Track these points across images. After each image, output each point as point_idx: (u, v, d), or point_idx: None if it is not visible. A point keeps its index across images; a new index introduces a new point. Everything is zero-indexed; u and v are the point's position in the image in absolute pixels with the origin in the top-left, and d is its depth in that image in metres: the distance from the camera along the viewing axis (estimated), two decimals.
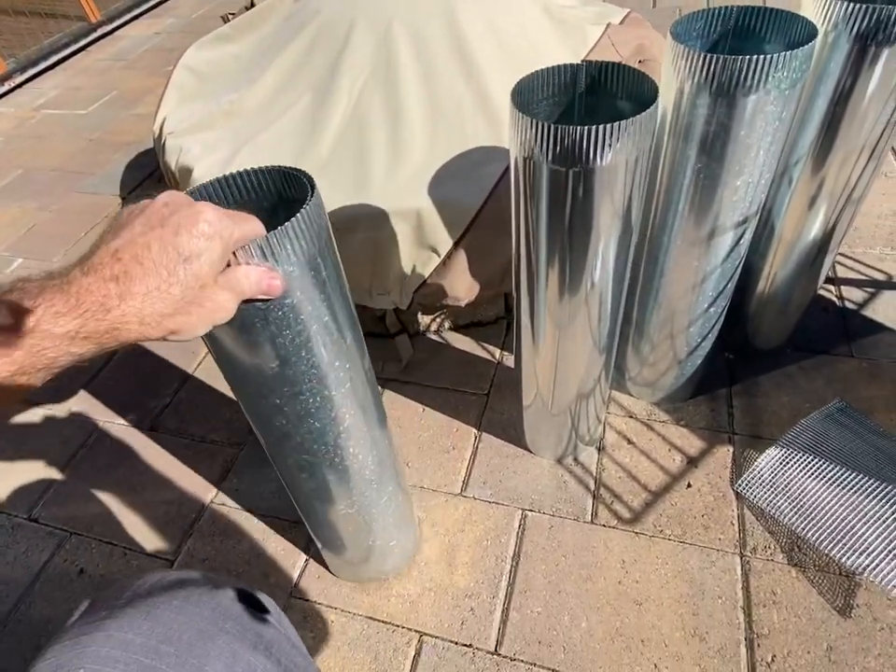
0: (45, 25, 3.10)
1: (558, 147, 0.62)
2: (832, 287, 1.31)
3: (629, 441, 1.10)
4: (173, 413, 1.27)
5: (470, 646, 0.88)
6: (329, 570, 0.98)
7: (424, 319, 1.35)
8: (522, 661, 0.86)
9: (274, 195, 0.59)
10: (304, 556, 1.01)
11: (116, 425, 1.27)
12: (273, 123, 1.26)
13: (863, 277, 1.32)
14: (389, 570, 0.96)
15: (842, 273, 1.34)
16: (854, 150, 0.87)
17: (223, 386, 1.31)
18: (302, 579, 0.98)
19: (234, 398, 1.26)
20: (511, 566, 0.96)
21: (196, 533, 1.06)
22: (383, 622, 0.92)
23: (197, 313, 0.41)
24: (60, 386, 1.36)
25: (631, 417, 1.15)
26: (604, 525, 0.99)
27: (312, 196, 0.52)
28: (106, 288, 0.36)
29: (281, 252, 0.50)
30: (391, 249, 1.15)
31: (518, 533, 1.00)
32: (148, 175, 2.04)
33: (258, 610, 0.54)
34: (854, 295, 1.29)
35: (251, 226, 0.46)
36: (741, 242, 0.87)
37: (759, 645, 0.84)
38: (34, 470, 1.20)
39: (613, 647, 0.86)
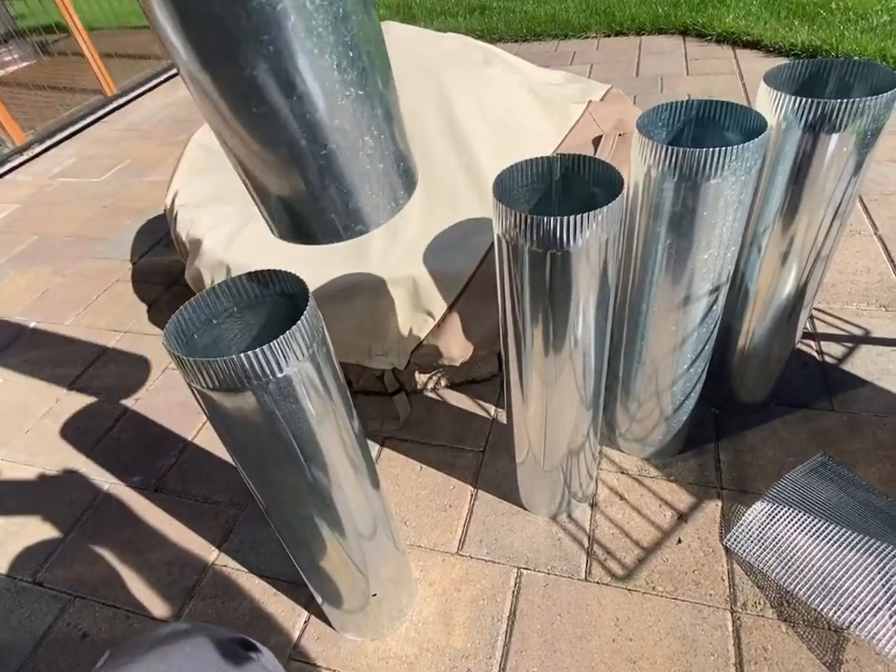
0: (63, 99, 3.29)
1: (535, 234, 0.68)
2: (811, 343, 1.37)
3: (621, 497, 1.13)
4: (177, 473, 1.31)
5: None
6: (331, 625, 0.99)
7: (421, 378, 1.40)
8: None
9: (275, 293, 0.67)
10: (304, 617, 1.03)
11: (122, 486, 1.30)
12: None
13: (842, 332, 1.38)
14: (387, 626, 0.98)
15: (821, 328, 1.40)
16: (816, 215, 0.94)
17: (224, 450, 1.34)
18: (302, 640, 1.00)
19: None
20: (508, 625, 0.98)
21: (198, 595, 1.08)
22: None
23: None
24: (67, 448, 1.40)
25: (622, 473, 1.18)
26: (598, 583, 1.01)
27: (308, 301, 0.60)
28: None
29: (288, 351, 0.56)
30: (389, 314, 1.21)
31: (514, 592, 1.02)
32: (157, 241, 2.14)
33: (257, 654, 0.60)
34: (833, 350, 1.34)
35: None
36: (714, 307, 0.93)
37: None
38: (40, 533, 1.23)
39: None
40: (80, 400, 1.53)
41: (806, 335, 1.38)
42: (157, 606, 1.07)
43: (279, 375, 0.58)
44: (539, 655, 0.93)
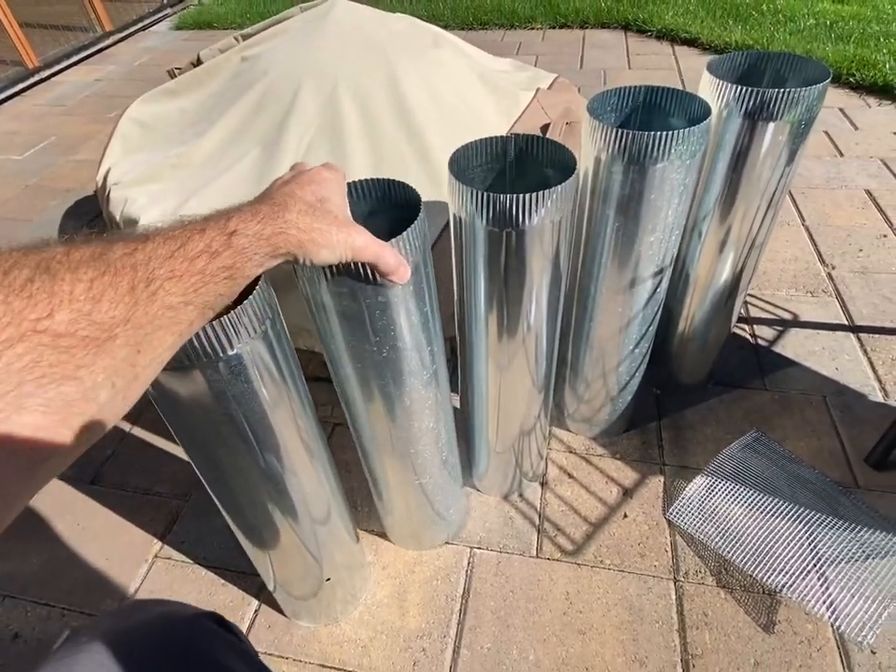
0: None
1: (491, 212, 0.69)
2: (745, 327, 1.44)
3: (570, 476, 1.16)
4: (115, 465, 1.25)
5: None
6: (283, 613, 0.98)
7: None
8: None
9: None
10: (254, 606, 1.00)
11: (54, 479, 1.22)
12: (221, 175, 1.30)
13: (773, 317, 1.46)
14: (340, 610, 0.97)
15: (754, 313, 1.47)
16: (752, 204, 0.99)
17: (165, 439, 1.29)
18: (253, 629, 0.97)
19: (179, 449, 1.25)
20: (461, 604, 0.99)
21: (141, 588, 1.03)
22: (335, 668, 0.92)
23: (335, 231, 0.48)
24: None
25: (571, 452, 1.21)
26: (548, 559, 1.04)
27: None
28: (272, 207, 0.44)
29: (239, 327, 0.55)
30: None
31: (467, 571, 1.03)
32: (87, 223, 2.01)
33: (228, 632, 0.58)
34: (766, 333, 1.42)
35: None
36: (658, 290, 0.97)
37: (693, 665, 0.90)
38: None
39: None
40: None
41: (741, 319, 1.46)
42: (97, 600, 1.02)
43: (229, 353, 0.56)
44: (492, 631, 0.95)
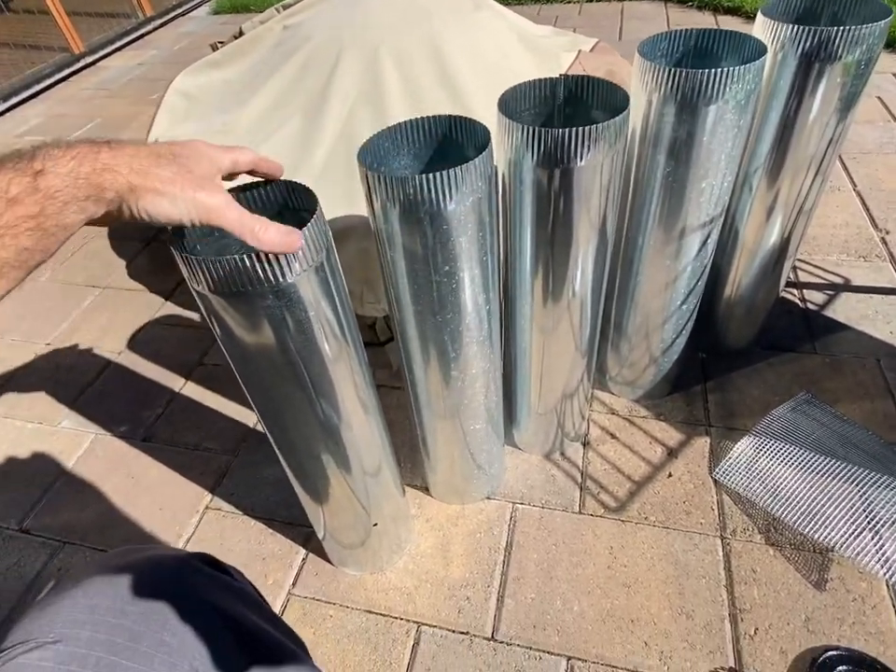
0: (28, 56, 3.14)
1: (542, 148, 0.68)
2: (794, 291, 1.40)
3: (612, 436, 1.16)
4: (166, 423, 1.29)
5: (468, 633, 0.91)
6: (329, 561, 1.00)
7: None
8: (518, 645, 0.89)
9: (277, 207, 0.65)
10: (302, 555, 1.03)
11: (108, 436, 1.27)
12: (265, 141, 1.32)
13: (823, 281, 1.41)
14: (386, 560, 0.99)
15: (803, 277, 1.43)
16: (803, 165, 0.96)
17: (214, 398, 1.33)
18: (300, 577, 1.00)
19: (227, 407, 1.29)
20: (504, 556, 0.99)
21: (193, 538, 1.07)
22: (381, 614, 0.94)
23: (183, 184, 0.42)
24: (53, 400, 1.37)
25: (613, 414, 1.20)
26: (591, 515, 1.04)
27: (317, 207, 0.58)
28: (94, 144, 0.39)
29: (296, 255, 0.55)
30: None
31: (509, 525, 1.04)
32: None
33: (220, 572, 0.56)
34: (815, 298, 1.38)
35: (246, 153, 0.54)
36: (709, 241, 0.95)
37: (742, 619, 0.88)
38: (24, 483, 1.20)
39: (605, 627, 0.90)
40: (59, 355, 1.49)
41: (790, 284, 1.42)
42: None
43: (284, 282, 0.56)
44: (535, 583, 0.95)
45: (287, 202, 0.65)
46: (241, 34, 1.72)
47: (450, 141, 0.74)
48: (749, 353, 1.28)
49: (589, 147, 0.68)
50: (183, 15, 3.91)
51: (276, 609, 0.96)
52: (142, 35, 3.56)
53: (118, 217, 0.41)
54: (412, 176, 0.60)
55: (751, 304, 1.22)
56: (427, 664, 0.88)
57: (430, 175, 0.60)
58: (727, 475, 1.05)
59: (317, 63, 1.36)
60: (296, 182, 0.62)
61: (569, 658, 0.87)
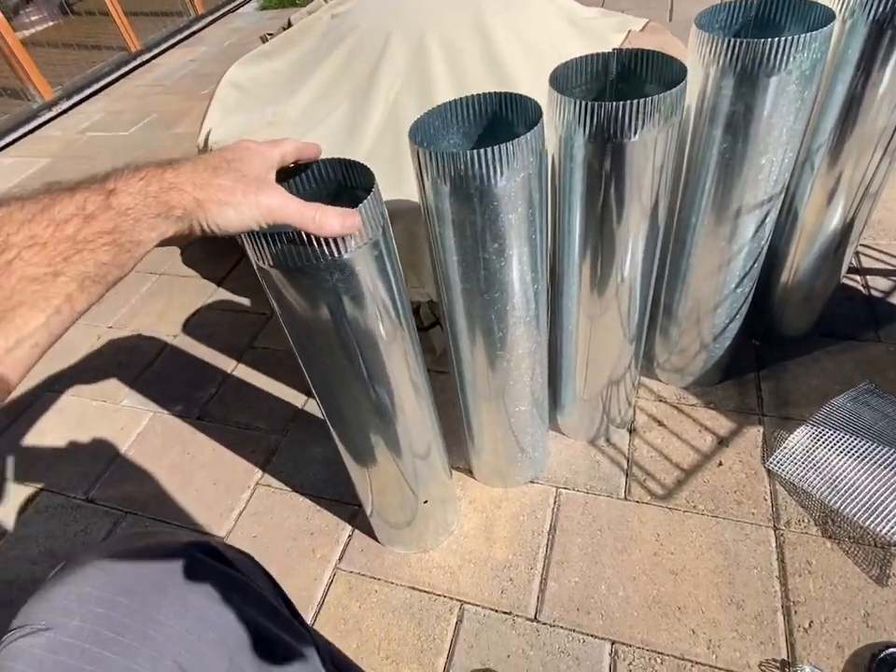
0: (90, 56, 3.28)
1: (594, 123, 0.67)
2: (857, 277, 1.34)
3: (660, 423, 1.13)
4: (218, 403, 1.34)
5: (510, 613, 0.91)
6: (376, 539, 1.02)
7: None
8: (561, 627, 0.89)
9: (334, 185, 0.66)
10: (348, 531, 1.05)
11: (165, 415, 1.33)
12: (313, 129, 1.35)
13: (889, 267, 1.34)
14: (431, 540, 1.00)
15: (867, 263, 1.36)
16: (870, 142, 0.91)
17: (264, 379, 1.37)
18: (347, 552, 1.02)
19: (277, 389, 1.33)
20: (548, 539, 0.99)
21: (245, 512, 1.11)
22: (425, 591, 0.95)
23: (245, 190, 0.43)
24: (115, 380, 1.44)
25: (661, 401, 1.18)
26: (637, 501, 1.02)
27: (374, 184, 0.59)
28: (160, 165, 0.41)
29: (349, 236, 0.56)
30: (426, 243, 1.20)
31: (553, 509, 1.03)
32: None
33: (222, 564, 0.54)
34: (880, 284, 1.31)
35: (289, 143, 0.55)
36: (765, 222, 0.91)
37: (795, 612, 0.86)
38: (89, 457, 1.27)
39: (650, 614, 0.88)
40: (121, 338, 1.56)
41: (852, 270, 1.35)
42: (205, 520, 1.11)
43: (344, 255, 0.58)
44: (580, 567, 0.95)
45: (344, 180, 0.66)
46: (289, 25, 1.76)
47: (500, 119, 0.74)
48: (806, 340, 1.23)
49: (643, 121, 0.66)
50: (232, 12, 4.01)
51: (323, 583, 0.98)
52: (194, 33, 3.66)
53: (190, 233, 0.42)
54: (462, 152, 0.60)
55: (810, 290, 1.17)
56: (471, 640, 0.89)
57: (481, 151, 0.60)
58: (781, 465, 1.02)
59: (364, 51, 1.37)
60: (353, 160, 0.63)
61: (614, 642, 0.86)
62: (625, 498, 1.03)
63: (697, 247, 0.96)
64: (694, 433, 1.10)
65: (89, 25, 3.70)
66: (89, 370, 1.48)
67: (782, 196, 0.91)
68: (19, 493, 1.21)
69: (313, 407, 1.28)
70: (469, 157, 0.60)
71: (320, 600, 0.96)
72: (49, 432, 1.33)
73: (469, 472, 1.11)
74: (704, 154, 0.85)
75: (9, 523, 1.16)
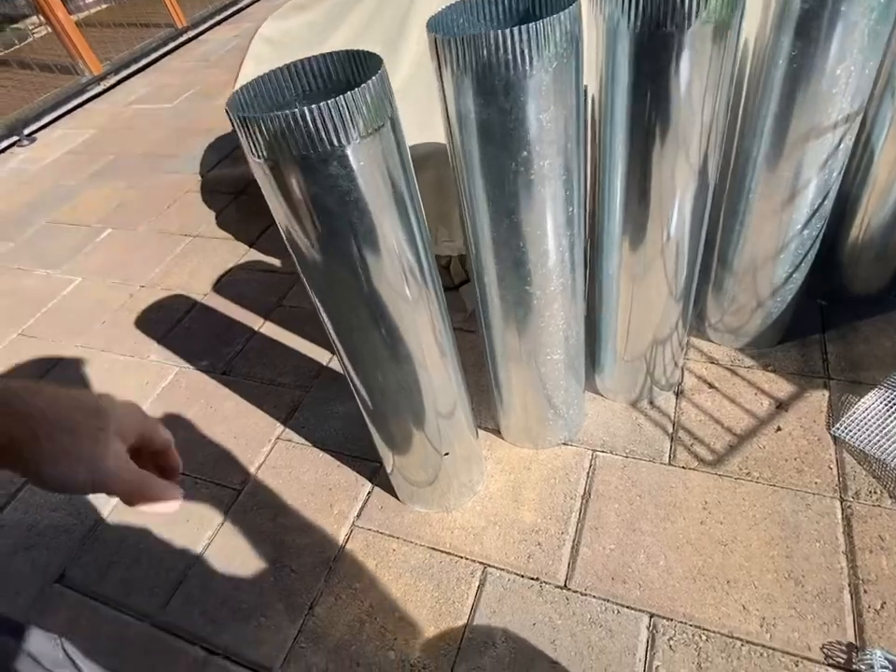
0: (139, 33, 3.34)
1: (642, 12, 0.58)
2: None
3: (710, 386, 1.03)
4: (244, 359, 1.30)
5: (537, 579, 0.84)
6: (396, 496, 0.96)
7: None
8: (594, 596, 0.81)
9: (344, 84, 0.59)
10: (368, 488, 1.00)
11: (191, 370, 1.31)
12: None
13: None
14: (454, 500, 0.94)
15: None
16: None
17: (291, 337, 1.33)
18: (365, 509, 0.97)
19: (302, 345, 1.29)
20: (581, 503, 0.91)
21: (263, 465, 1.07)
22: (446, 552, 0.89)
23: (92, 447, 0.36)
24: (144, 336, 1.43)
25: (712, 363, 1.07)
26: (683, 467, 0.93)
27: (380, 68, 0.52)
28: (26, 384, 0.37)
29: (350, 119, 0.49)
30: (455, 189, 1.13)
31: (588, 472, 0.95)
32: (225, 155, 2.13)
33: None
34: None
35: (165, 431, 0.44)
36: (839, 149, 0.80)
37: (865, 591, 0.75)
38: None
39: (695, 586, 0.79)
40: (153, 296, 1.55)
41: None
42: (225, 472, 1.07)
43: (341, 148, 0.51)
44: (616, 533, 0.86)
45: (350, 78, 0.59)
46: None
47: (532, 19, 0.65)
48: (879, 300, 1.10)
49: (698, 6, 0.57)
50: None
51: (340, 539, 0.93)
52: (239, 10, 3.68)
53: (9, 468, 0.34)
54: (487, 33, 0.53)
55: (884, 246, 1.05)
56: (493, 605, 0.82)
57: (508, 31, 0.52)
58: (850, 432, 0.90)
59: None
60: (357, 50, 0.57)
61: (652, 615, 0.77)
62: (669, 463, 0.93)
63: (758, 182, 0.86)
64: (750, 397, 1.00)
65: (139, 6, 3.77)
66: (118, 326, 1.48)
67: (859, 120, 0.79)
68: None
69: (337, 364, 1.23)
70: (494, 38, 0.53)
71: (335, 556, 0.91)
72: (74, 387, 1.32)
73: (497, 432, 1.04)
74: (769, 67, 0.74)
75: None
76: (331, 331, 0.70)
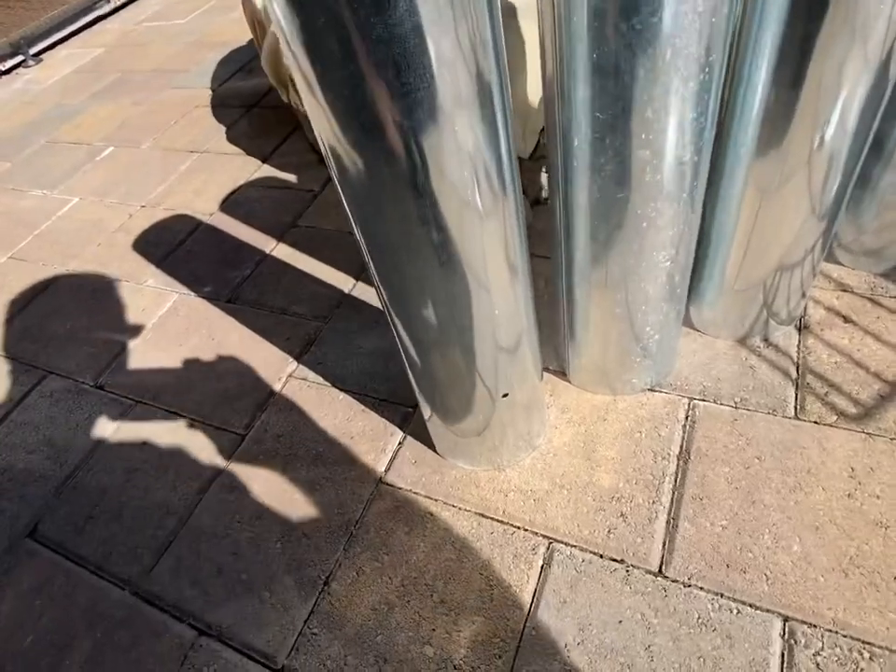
0: None
1: None
2: None
3: (846, 320, 0.79)
4: (252, 285, 1.11)
5: (622, 562, 0.63)
6: (434, 449, 0.76)
7: (546, 183, 1.08)
8: (701, 588, 0.60)
9: None
10: (398, 437, 0.80)
11: (192, 296, 1.12)
12: None
13: None
14: (508, 456, 0.73)
15: None
16: None
17: (308, 260, 1.12)
18: (395, 463, 0.77)
19: (320, 271, 1.08)
20: (678, 465, 0.70)
21: (272, 407, 0.88)
22: (498, 520, 0.69)
23: None
24: (142, 259, 1.24)
25: (845, 291, 0.83)
26: (816, 423, 0.70)
27: None
28: None
29: None
30: (516, 65, 0.89)
31: (685, 426, 0.73)
32: (239, 68, 1.90)
33: None
34: None
35: None
36: None
37: None
38: (105, 339, 1.08)
39: (847, 582, 0.58)
40: (153, 216, 1.35)
41: None
42: (227, 415, 0.89)
43: None
44: (728, 506, 0.65)
45: None
46: None
47: None
48: None
49: None
50: None
51: (364, 499, 0.74)
52: None
53: None
54: None
55: None
56: (563, 593, 0.62)
57: None
58: None
59: None
60: None
61: (787, 618, 0.57)
62: (797, 417, 0.71)
63: None
64: None
65: None
66: (114, 248, 1.29)
67: None
68: (26, 377, 1.04)
69: (363, 291, 1.02)
70: None
71: (357, 520, 0.72)
72: (62, 314, 1.15)
73: (562, 374, 0.82)
74: None
75: (11, 407, 0.99)
76: (364, 245, 0.52)
